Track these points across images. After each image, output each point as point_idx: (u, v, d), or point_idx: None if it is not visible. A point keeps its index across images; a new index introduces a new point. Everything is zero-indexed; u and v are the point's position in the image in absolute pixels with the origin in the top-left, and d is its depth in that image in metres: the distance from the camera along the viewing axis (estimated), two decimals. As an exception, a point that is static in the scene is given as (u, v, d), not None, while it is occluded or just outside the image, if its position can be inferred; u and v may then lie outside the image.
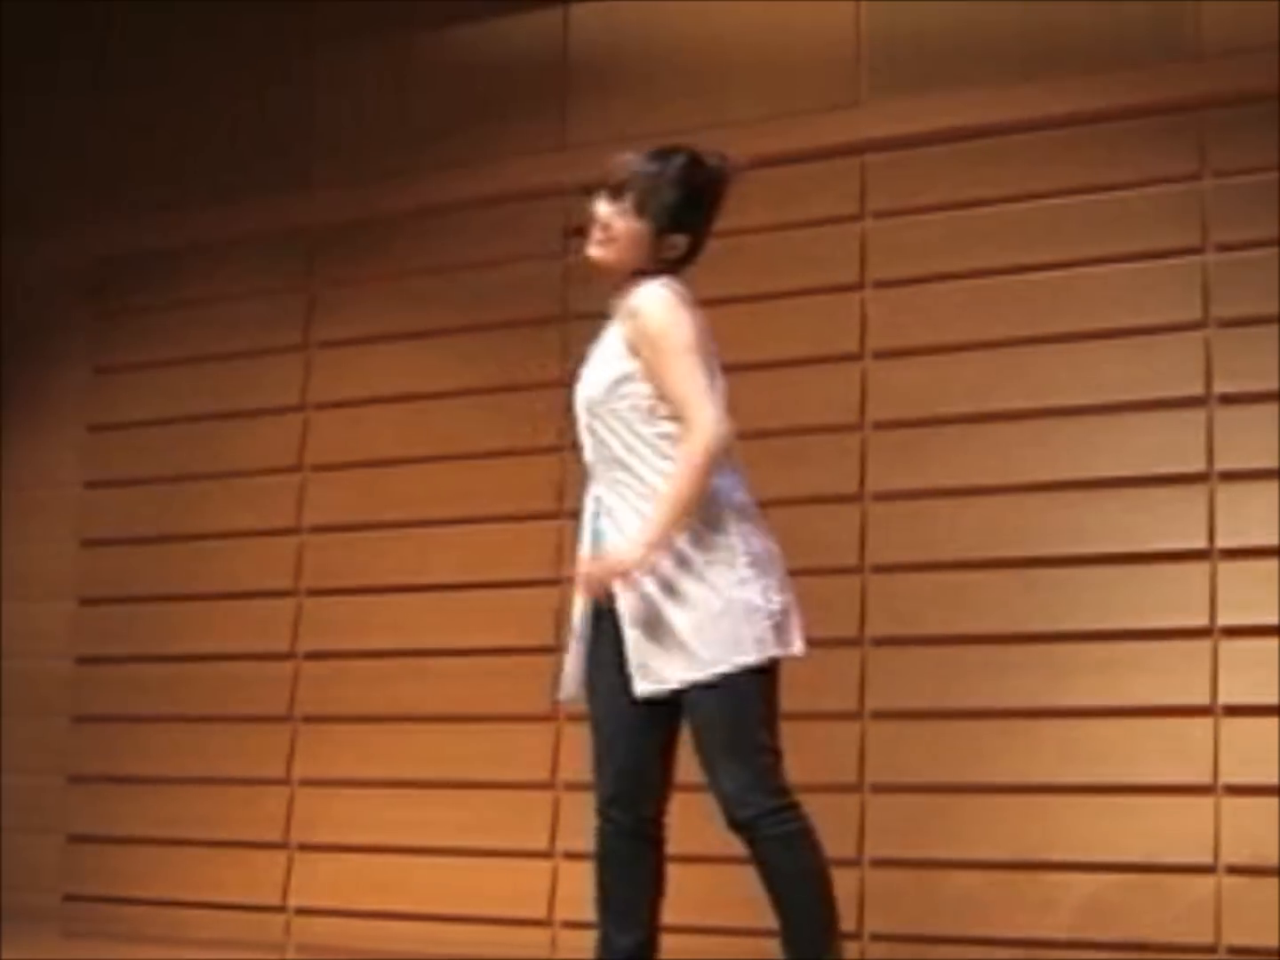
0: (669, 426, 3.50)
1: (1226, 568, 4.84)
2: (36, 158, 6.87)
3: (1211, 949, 4.71)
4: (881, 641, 5.23)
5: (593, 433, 3.59)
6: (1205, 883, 4.74)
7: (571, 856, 5.51)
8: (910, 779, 5.13)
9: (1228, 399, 4.90)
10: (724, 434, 3.46)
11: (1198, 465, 4.90)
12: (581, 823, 5.46)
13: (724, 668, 3.43)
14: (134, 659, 6.41)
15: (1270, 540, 4.79)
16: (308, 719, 6.08)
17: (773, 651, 3.49)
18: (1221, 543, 4.85)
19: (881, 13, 5.50)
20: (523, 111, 6.01)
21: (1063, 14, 5.23)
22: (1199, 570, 4.87)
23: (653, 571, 3.45)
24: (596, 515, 3.59)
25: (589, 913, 5.35)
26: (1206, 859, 4.75)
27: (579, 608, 3.64)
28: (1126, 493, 4.99)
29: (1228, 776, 4.76)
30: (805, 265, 5.48)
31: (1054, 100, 5.18)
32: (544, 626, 5.63)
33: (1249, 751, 4.74)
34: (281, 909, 5.98)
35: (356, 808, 5.90)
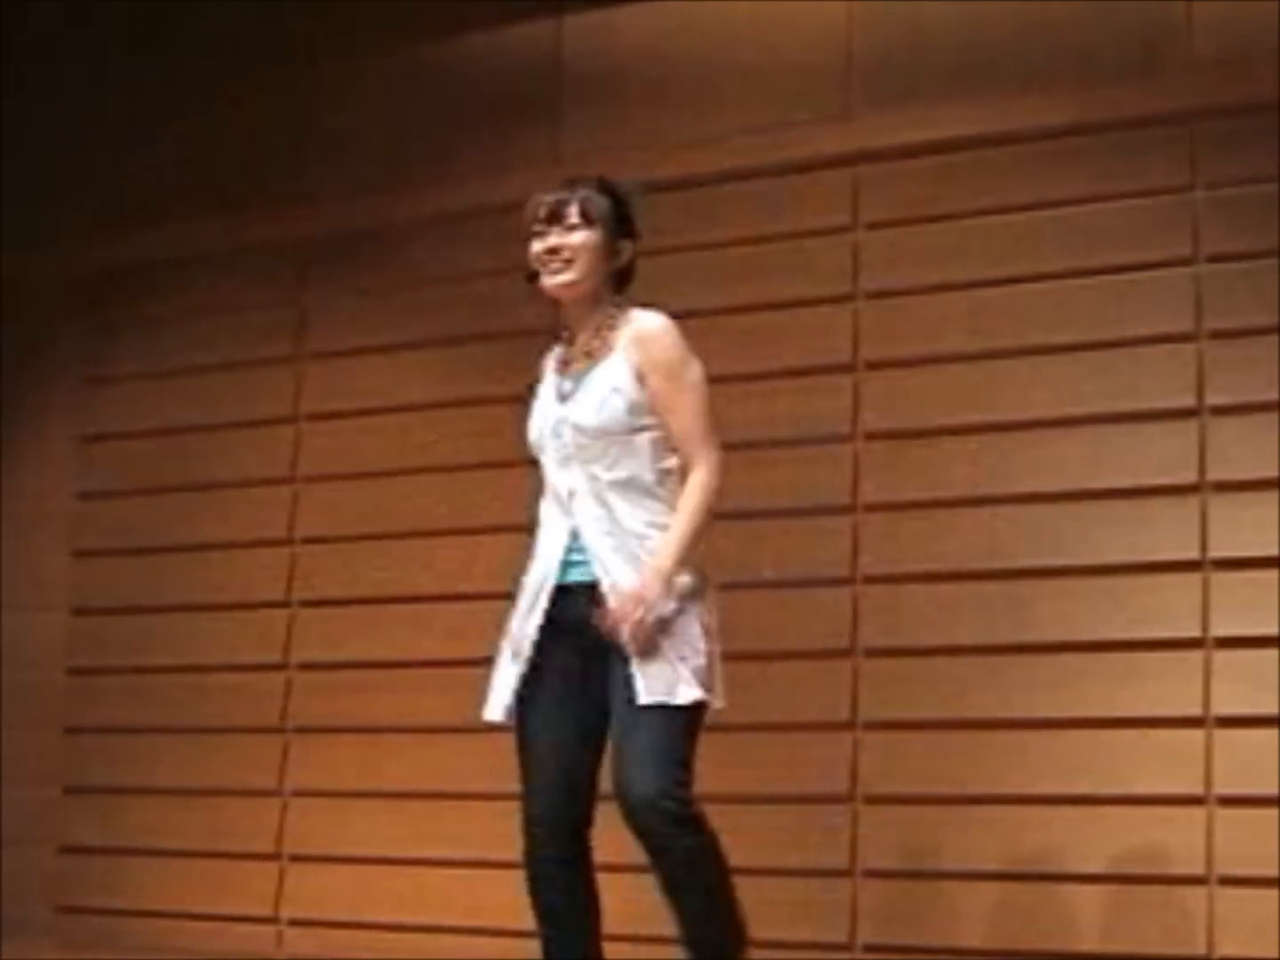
0: (671, 463, 3.62)
1: (1219, 579, 4.85)
2: (33, 168, 6.86)
3: (1204, 960, 4.72)
4: (874, 652, 5.23)
5: (584, 462, 3.62)
6: (1198, 894, 4.74)
7: (564, 868, 5.51)
8: (903, 790, 5.13)
9: (1220, 410, 4.90)
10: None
11: (1190, 476, 4.90)
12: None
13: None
14: (127, 670, 6.40)
15: (1262, 551, 4.79)
16: (300, 730, 6.07)
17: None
18: (1214, 553, 4.85)
19: (874, 25, 5.50)
20: (516, 123, 6.01)
21: (1054, 26, 5.24)
22: (1191, 581, 4.87)
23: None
24: (570, 549, 3.62)
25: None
26: (1199, 870, 4.74)
27: (529, 629, 3.67)
28: (1119, 504, 4.99)
29: (1220, 787, 4.76)
30: (798, 276, 5.48)
31: (1045, 112, 5.19)
32: (537, 637, 5.63)
33: (1242, 762, 4.74)
34: (274, 920, 5.98)
35: (349, 819, 5.89)
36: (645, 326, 3.66)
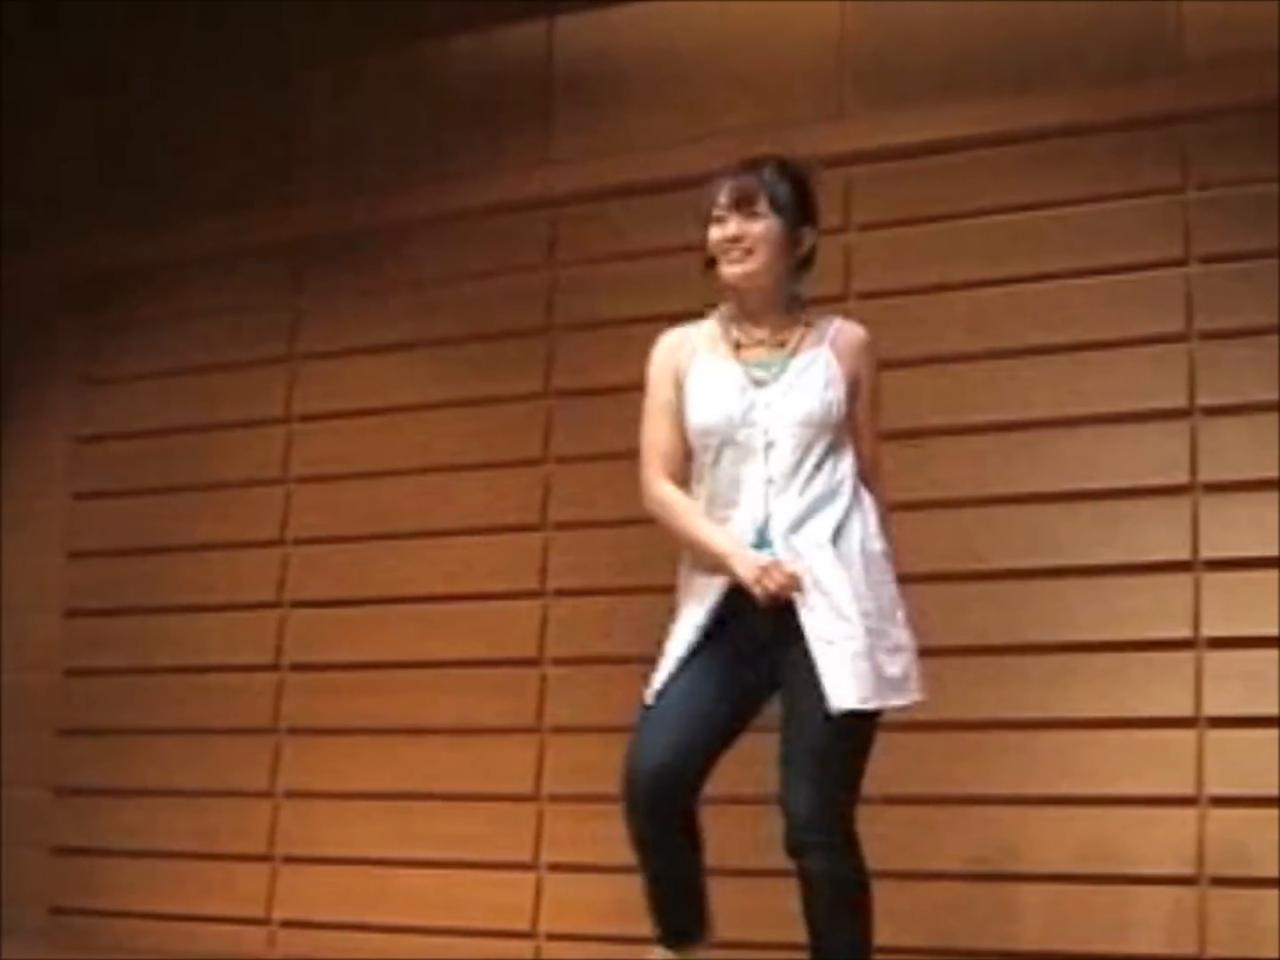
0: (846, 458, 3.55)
1: (1210, 579, 4.85)
2: (31, 170, 6.86)
3: (1195, 961, 4.72)
4: (866, 653, 5.21)
5: (791, 450, 3.47)
6: (1190, 894, 4.74)
7: (555, 868, 5.52)
8: (900, 790, 5.11)
9: (1211, 411, 4.91)
10: None
11: (1181, 477, 4.91)
12: (565, 835, 5.52)
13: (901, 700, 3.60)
14: (121, 671, 6.40)
15: (1253, 552, 4.80)
16: (293, 731, 6.07)
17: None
18: (1205, 554, 4.86)
19: (867, 26, 5.51)
20: (508, 124, 6.01)
21: (1046, 28, 5.24)
22: (1183, 582, 4.87)
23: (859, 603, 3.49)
24: (757, 543, 3.47)
25: (572, 924, 5.42)
26: (1191, 870, 4.75)
27: (700, 617, 3.52)
28: (1110, 504, 4.99)
29: (1212, 788, 4.76)
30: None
31: (1037, 113, 5.19)
32: (528, 639, 5.64)
33: (1233, 763, 4.74)
34: (266, 921, 5.97)
35: (341, 820, 5.88)
36: (861, 336, 3.60)
